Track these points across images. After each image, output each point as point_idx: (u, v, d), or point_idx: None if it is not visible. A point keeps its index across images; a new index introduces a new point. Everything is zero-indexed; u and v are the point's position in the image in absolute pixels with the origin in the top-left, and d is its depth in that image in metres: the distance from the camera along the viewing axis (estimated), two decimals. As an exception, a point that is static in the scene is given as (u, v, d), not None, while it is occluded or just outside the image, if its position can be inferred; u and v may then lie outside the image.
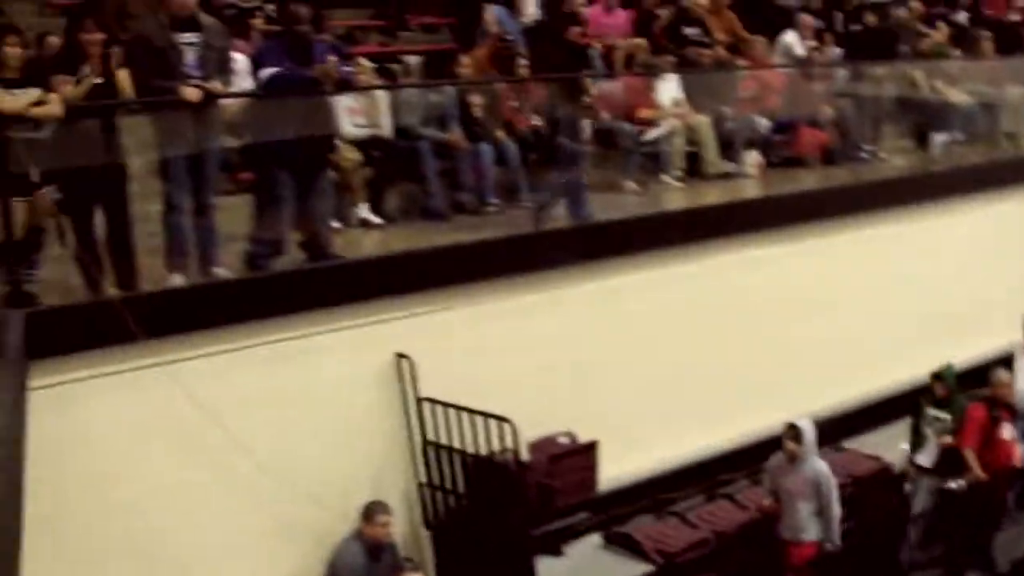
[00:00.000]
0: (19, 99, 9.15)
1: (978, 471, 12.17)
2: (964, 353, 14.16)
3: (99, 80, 9.58)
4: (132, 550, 9.11)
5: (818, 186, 15.44)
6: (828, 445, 13.12)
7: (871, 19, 18.05)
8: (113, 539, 9.03)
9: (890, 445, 13.56)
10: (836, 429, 13.49)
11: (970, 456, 12.27)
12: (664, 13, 17.28)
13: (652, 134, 14.47)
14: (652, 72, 14.94)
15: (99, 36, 9.66)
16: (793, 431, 11.18)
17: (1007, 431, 12.43)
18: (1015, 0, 22.49)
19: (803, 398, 13.02)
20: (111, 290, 9.33)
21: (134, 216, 9.89)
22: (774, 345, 13.34)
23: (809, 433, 11.23)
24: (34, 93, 9.22)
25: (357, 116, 12.30)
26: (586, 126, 13.98)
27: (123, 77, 9.76)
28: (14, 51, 9.31)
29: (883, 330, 14.54)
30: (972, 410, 12.50)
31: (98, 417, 9.02)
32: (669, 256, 12.58)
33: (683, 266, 12.71)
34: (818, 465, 11.27)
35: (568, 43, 14.91)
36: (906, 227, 15.06)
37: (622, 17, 16.67)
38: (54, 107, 9.25)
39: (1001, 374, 12.73)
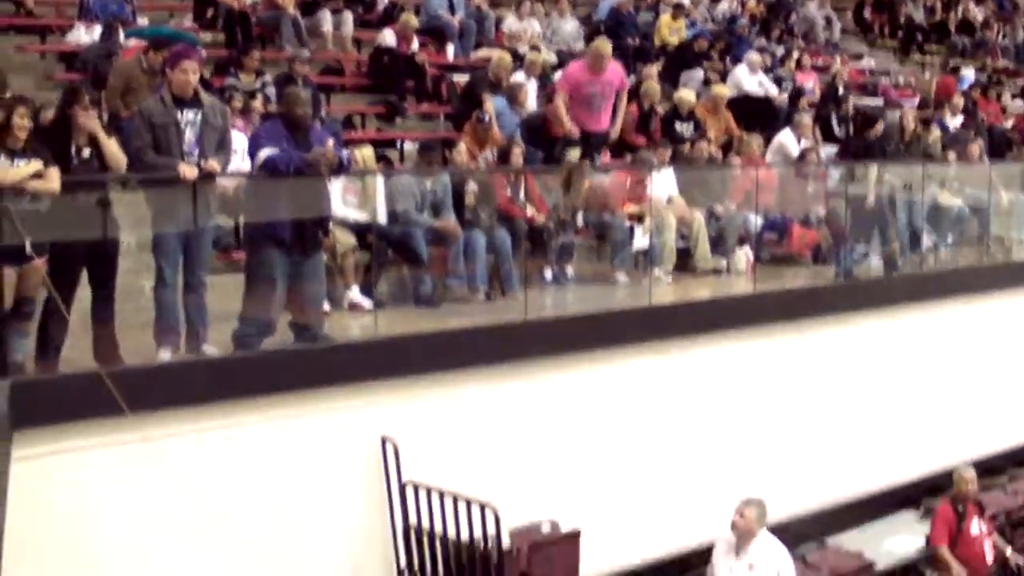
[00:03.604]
0: (19, 171, 9.21)
1: (958, 569, 12.17)
2: (945, 451, 14.35)
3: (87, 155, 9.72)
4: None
5: (806, 284, 15.59)
6: (811, 541, 13.26)
7: (865, 121, 18.26)
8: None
9: (873, 542, 13.65)
10: (819, 525, 13.56)
11: (945, 554, 12.30)
12: (662, 109, 17.50)
13: (644, 228, 14.51)
14: (646, 166, 15.04)
15: (92, 110, 9.77)
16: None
17: (975, 527, 12.47)
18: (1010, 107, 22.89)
19: (786, 494, 13.07)
20: (95, 363, 9.36)
21: (126, 291, 9.94)
22: (757, 441, 13.38)
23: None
24: (35, 165, 9.28)
25: (352, 200, 12.39)
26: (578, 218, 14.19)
27: (112, 148, 9.86)
28: (22, 122, 9.36)
29: (865, 428, 14.61)
30: (939, 509, 12.60)
31: (80, 490, 8.97)
32: (656, 349, 12.64)
33: (670, 359, 12.77)
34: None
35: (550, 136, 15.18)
36: (894, 326, 15.16)
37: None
38: (52, 182, 9.31)
39: (963, 471, 12.78)
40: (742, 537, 10.54)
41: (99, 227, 9.69)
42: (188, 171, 9.84)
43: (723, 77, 20.15)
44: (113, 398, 8.82)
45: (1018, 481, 16.08)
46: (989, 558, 12.56)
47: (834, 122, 19.70)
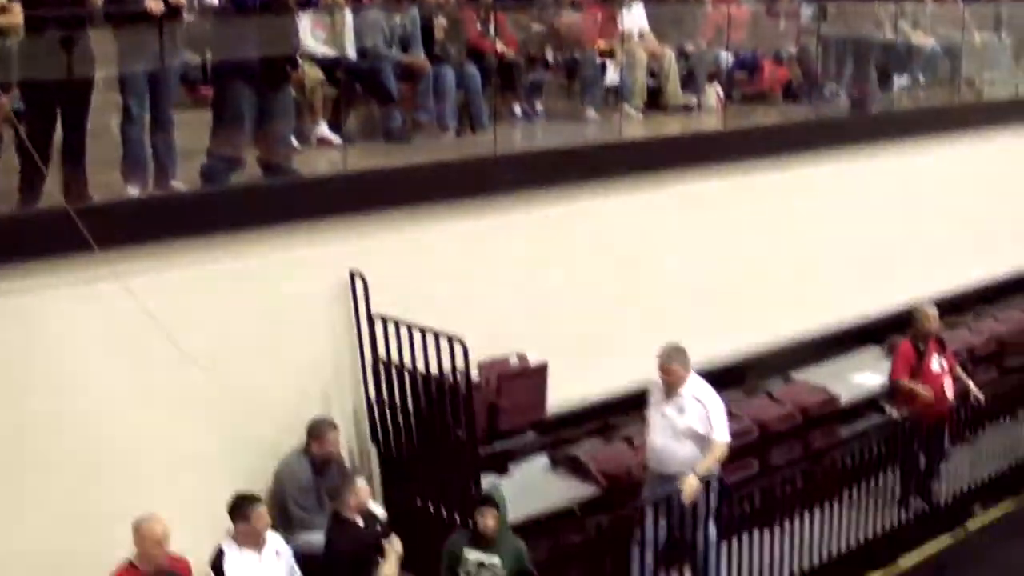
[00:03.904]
0: (-21, 7, 9.10)
1: (925, 393, 12.27)
2: (911, 288, 14.51)
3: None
4: (83, 460, 9.13)
5: (777, 121, 15.61)
6: (776, 376, 13.46)
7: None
8: (64, 449, 9.05)
9: (838, 377, 13.87)
10: (784, 360, 13.75)
11: (906, 384, 12.39)
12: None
13: (614, 65, 14.48)
14: (617, 1, 14.95)
15: None
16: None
17: (935, 363, 12.58)
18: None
19: (751, 329, 13.25)
20: (64, 199, 9.32)
21: (94, 128, 9.88)
22: (725, 275, 13.50)
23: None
24: (-4, 1, 9.16)
25: (320, 34, 12.31)
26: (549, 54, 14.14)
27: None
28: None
29: (832, 264, 14.80)
30: (900, 346, 12.72)
31: (52, 326, 9.02)
32: (626, 185, 12.68)
33: (639, 196, 12.81)
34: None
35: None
36: (864, 165, 15.23)
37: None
38: (13, 16, 9.16)
39: (925, 308, 12.86)
40: (671, 387, 10.62)
41: (71, 64, 9.59)
42: (154, 5, 9.75)
43: (696, -88, 19.88)
44: (82, 234, 8.83)
45: (982, 319, 16.27)
46: (950, 394, 12.69)
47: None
